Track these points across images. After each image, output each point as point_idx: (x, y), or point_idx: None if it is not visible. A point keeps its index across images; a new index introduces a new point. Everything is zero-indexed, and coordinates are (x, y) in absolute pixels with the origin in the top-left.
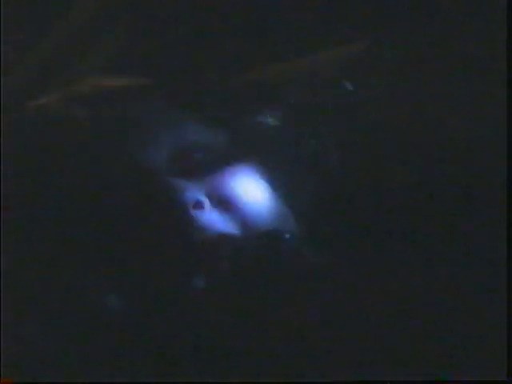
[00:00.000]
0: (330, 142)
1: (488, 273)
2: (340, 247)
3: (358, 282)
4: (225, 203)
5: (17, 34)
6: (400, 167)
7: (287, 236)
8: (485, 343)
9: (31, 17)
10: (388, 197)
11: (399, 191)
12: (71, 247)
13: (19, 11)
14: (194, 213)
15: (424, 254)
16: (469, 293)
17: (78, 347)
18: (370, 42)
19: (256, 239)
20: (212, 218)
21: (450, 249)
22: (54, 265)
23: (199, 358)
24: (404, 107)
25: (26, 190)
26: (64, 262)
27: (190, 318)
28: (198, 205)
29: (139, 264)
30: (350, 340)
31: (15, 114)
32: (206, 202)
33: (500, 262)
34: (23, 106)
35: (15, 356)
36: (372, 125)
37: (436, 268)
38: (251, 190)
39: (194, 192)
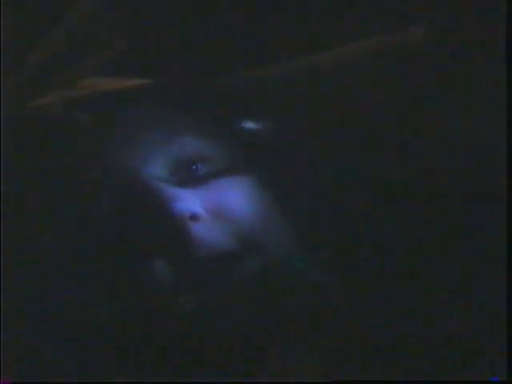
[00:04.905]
0: (330, 150)
1: (488, 273)
2: (340, 262)
3: (360, 292)
4: (222, 215)
5: (17, 35)
6: (400, 172)
7: (286, 250)
8: (485, 343)
9: (31, 17)
10: (388, 204)
11: (400, 197)
12: (70, 249)
13: (19, 11)
14: (190, 225)
15: (423, 255)
16: (469, 293)
17: (77, 347)
18: (367, 42)
19: (252, 252)
20: (208, 231)
21: (449, 249)
22: (54, 266)
23: (193, 377)
24: (403, 108)
25: (25, 191)
26: (63, 264)
27: (184, 335)
28: (194, 217)
29: (133, 273)
30: (351, 341)
31: (15, 114)
32: (203, 214)
33: (500, 262)
34: (23, 106)
35: (15, 356)
36: (371, 127)
37: (436, 268)
38: (249, 202)
39: (190, 203)
